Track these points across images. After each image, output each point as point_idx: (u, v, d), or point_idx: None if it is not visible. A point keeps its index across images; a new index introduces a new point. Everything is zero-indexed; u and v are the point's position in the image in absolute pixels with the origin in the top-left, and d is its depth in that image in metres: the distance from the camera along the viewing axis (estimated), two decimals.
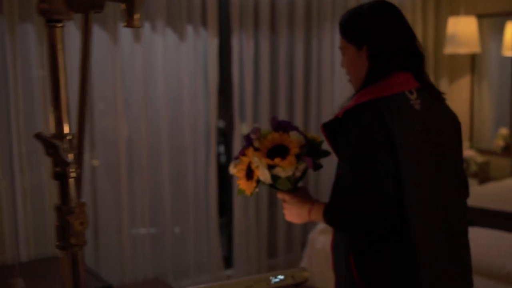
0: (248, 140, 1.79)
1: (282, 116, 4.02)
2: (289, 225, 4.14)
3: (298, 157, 1.72)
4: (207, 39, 3.71)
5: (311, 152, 1.75)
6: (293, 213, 1.79)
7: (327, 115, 4.04)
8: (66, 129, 0.98)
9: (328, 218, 1.66)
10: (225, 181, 4.02)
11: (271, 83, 4.04)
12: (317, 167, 1.77)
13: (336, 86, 4.25)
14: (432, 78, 4.70)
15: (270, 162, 1.72)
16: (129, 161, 3.54)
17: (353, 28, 1.73)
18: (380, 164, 1.55)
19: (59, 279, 1.02)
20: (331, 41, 4.18)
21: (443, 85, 4.75)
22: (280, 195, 1.81)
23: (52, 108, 0.97)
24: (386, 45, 1.70)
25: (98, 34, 3.34)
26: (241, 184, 1.78)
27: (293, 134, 1.75)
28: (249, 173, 1.76)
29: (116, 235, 3.55)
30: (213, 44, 3.73)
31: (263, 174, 1.73)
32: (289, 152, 1.73)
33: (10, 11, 3.04)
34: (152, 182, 3.62)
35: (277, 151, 1.75)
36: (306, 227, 4.07)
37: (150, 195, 3.61)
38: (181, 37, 3.60)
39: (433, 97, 1.74)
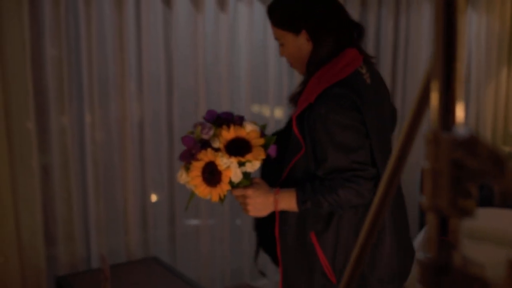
0: (200, 142, 1.63)
1: None
2: None
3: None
4: None
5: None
6: (257, 207, 1.68)
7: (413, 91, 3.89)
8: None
9: (302, 202, 1.63)
10: None
11: None
12: (274, 150, 1.68)
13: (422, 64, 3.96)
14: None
15: (241, 159, 1.59)
16: None
17: (286, 15, 1.69)
18: (362, 142, 1.58)
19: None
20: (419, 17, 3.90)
21: None
22: (238, 192, 1.67)
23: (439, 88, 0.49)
24: (325, 23, 1.66)
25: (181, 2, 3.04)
26: (203, 191, 1.61)
27: (248, 125, 1.64)
28: (211, 177, 1.61)
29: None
30: None
31: (235, 174, 1.61)
32: (250, 145, 1.63)
33: None
34: None
35: (236, 147, 1.62)
36: None
37: None
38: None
39: (371, 66, 1.75)
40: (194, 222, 3.31)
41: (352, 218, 1.66)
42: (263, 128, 1.69)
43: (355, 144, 1.59)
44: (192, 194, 1.65)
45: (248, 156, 1.60)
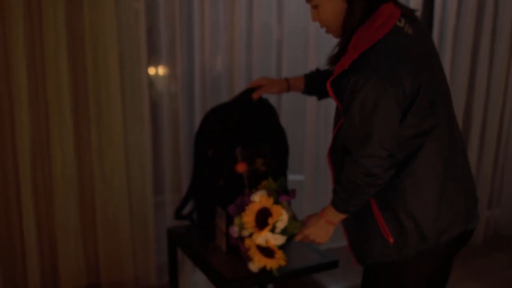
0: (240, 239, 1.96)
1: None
2: None
3: (277, 202, 1.92)
4: None
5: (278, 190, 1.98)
6: (320, 235, 1.84)
7: None
8: None
9: (344, 211, 1.74)
10: None
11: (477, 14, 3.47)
12: (292, 193, 2.00)
13: None
14: None
15: (269, 227, 1.88)
16: None
17: None
18: (388, 124, 1.56)
19: None
20: None
21: None
22: (299, 237, 1.88)
23: None
24: None
25: None
26: (267, 262, 1.92)
27: (256, 196, 1.92)
28: (264, 251, 1.92)
29: None
30: None
31: (276, 239, 1.90)
32: (269, 210, 1.90)
33: None
34: None
35: (262, 218, 1.92)
36: None
37: None
38: None
39: (412, 18, 1.69)
40: None
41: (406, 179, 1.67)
42: (271, 186, 1.98)
43: (381, 126, 1.55)
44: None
45: (270, 221, 1.88)
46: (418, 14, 1.78)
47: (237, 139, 2.27)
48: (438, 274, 1.82)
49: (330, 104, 3.15)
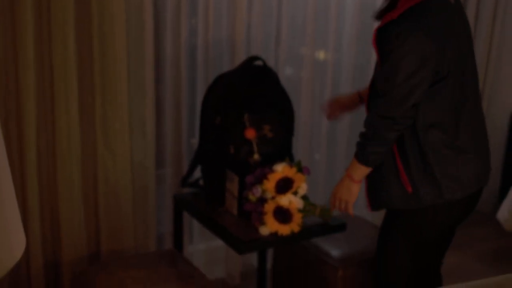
0: (260, 201, 2.10)
1: None
2: None
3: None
4: None
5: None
6: (345, 194, 1.95)
7: None
8: None
9: (364, 162, 1.86)
10: None
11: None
12: (307, 170, 2.16)
13: None
14: None
15: (292, 190, 2.09)
16: None
17: None
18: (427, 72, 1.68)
19: None
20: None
21: None
22: (332, 201, 2.04)
23: None
24: None
25: None
26: (279, 228, 2.06)
27: (278, 167, 2.09)
28: (284, 217, 2.06)
29: None
30: None
31: (298, 202, 2.06)
32: (290, 179, 2.07)
33: None
34: None
35: (283, 186, 2.08)
36: None
37: None
38: None
39: None
40: None
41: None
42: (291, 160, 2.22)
43: (414, 82, 1.68)
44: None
45: (295, 186, 2.06)
46: None
47: (245, 106, 2.30)
48: (449, 229, 1.91)
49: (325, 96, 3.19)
